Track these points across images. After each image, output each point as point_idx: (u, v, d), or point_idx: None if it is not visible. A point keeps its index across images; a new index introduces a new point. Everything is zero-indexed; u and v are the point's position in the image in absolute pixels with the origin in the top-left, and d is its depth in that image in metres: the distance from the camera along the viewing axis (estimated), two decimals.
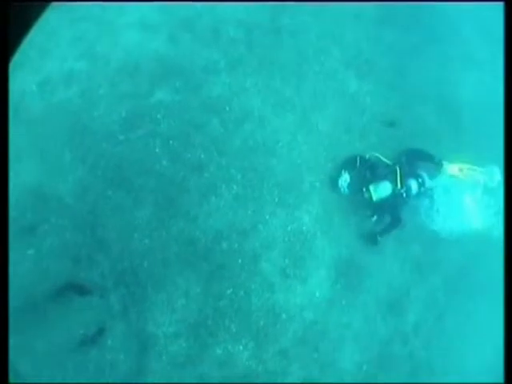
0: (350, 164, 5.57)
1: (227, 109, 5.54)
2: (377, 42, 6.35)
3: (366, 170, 5.48)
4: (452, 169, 5.86)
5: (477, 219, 5.93)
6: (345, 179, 5.47)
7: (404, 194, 5.44)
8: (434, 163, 5.78)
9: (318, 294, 5.39)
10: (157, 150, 5.30)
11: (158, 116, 5.40)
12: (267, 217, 5.38)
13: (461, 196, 5.96)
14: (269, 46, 5.89)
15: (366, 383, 5.46)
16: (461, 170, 5.90)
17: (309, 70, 5.94)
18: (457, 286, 5.88)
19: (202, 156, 5.36)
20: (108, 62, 5.49)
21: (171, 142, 5.35)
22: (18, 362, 4.76)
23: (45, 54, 5.39)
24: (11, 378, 5.05)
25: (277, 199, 5.44)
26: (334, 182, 5.54)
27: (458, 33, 6.73)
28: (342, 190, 5.48)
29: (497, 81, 6.67)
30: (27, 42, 4.37)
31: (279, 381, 5.25)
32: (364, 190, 5.52)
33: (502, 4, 5.21)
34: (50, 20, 5.38)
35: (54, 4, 3.77)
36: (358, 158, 5.56)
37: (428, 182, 5.61)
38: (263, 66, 5.79)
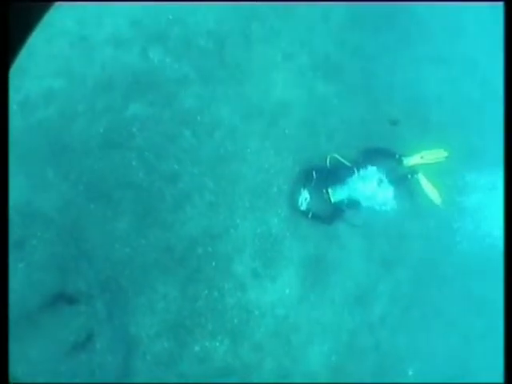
0: (307, 179, 5.62)
1: (198, 119, 5.58)
2: (345, 45, 6.29)
3: (324, 178, 5.57)
4: (414, 159, 5.93)
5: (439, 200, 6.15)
6: (305, 197, 5.56)
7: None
8: (395, 160, 5.87)
9: (288, 291, 5.57)
10: (133, 163, 5.38)
11: (134, 129, 5.46)
12: (238, 221, 5.52)
13: (422, 182, 6.15)
14: (239, 54, 5.87)
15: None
16: (422, 157, 5.98)
17: (277, 76, 5.94)
18: (422, 278, 5.99)
19: (176, 167, 5.45)
20: (84, 78, 5.49)
21: (146, 154, 5.41)
22: (15, 369, 4.84)
23: (23, 73, 5.36)
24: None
25: (247, 204, 5.57)
26: (294, 203, 5.59)
27: (428, 32, 6.65)
28: (302, 208, 5.56)
29: (465, 79, 6.75)
30: None
31: (255, 373, 5.54)
32: (324, 191, 5.78)
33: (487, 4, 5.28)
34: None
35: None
36: (314, 172, 5.61)
37: (386, 180, 5.64)
38: (233, 75, 5.80)
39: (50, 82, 5.49)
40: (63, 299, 5.18)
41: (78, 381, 5.21)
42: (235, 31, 6.07)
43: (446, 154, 5.97)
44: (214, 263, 5.39)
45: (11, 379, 3.71)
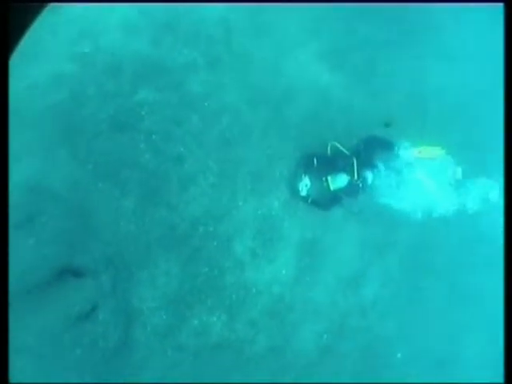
0: (308, 165, 5.75)
1: (206, 105, 5.67)
2: (351, 36, 6.33)
3: (324, 165, 5.67)
4: (412, 153, 5.88)
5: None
6: (305, 184, 5.68)
7: (360, 185, 5.64)
8: (393, 150, 5.85)
9: (284, 272, 5.70)
10: (141, 145, 5.48)
11: (142, 113, 5.55)
12: (240, 203, 5.63)
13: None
14: (247, 42, 5.94)
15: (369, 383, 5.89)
16: (420, 152, 6.26)
17: (284, 64, 6.00)
18: (412, 265, 6.13)
19: (182, 149, 5.54)
20: (94, 64, 5.56)
21: (154, 136, 5.51)
22: (23, 338, 5.08)
23: (33, 59, 5.43)
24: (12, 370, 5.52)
25: (249, 187, 5.68)
26: (294, 188, 5.73)
27: (435, 27, 6.65)
28: (302, 194, 5.67)
29: (469, 76, 6.80)
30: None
31: (248, 348, 5.76)
32: (323, 179, 5.85)
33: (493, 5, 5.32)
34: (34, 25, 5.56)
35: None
36: (315, 159, 5.74)
37: (384, 171, 5.71)
38: (241, 63, 5.88)
39: (61, 67, 5.55)
40: (70, 273, 5.33)
41: (81, 349, 5.46)
42: (243, 19, 6.08)
43: (442, 151, 6.08)
44: (215, 242, 5.52)
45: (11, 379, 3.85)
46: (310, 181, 5.73)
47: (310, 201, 5.71)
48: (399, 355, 6.19)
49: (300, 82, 6.01)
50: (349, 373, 5.94)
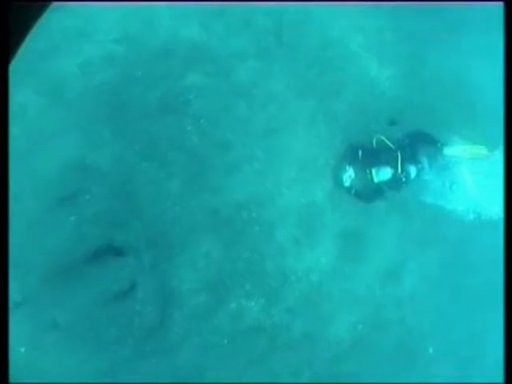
0: (353, 157, 5.68)
1: (253, 92, 5.60)
2: (398, 30, 6.18)
3: (369, 157, 5.62)
4: (456, 150, 5.90)
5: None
6: (349, 175, 5.63)
7: (403, 179, 5.62)
8: (436, 147, 5.85)
9: (324, 261, 5.61)
10: (188, 128, 5.43)
11: (191, 97, 5.47)
12: (284, 191, 5.55)
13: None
14: (295, 33, 5.84)
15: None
16: (465, 150, 5.94)
17: (332, 56, 5.90)
18: (452, 263, 6.01)
19: (229, 135, 5.47)
20: (144, 46, 5.50)
21: (202, 121, 5.45)
22: (57, 314, 5.22)
23: (84, 38, 5.44)
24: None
25: (294, 175, 5.60)
26: (338, 179, 5.68)
27: (474, 23, 6.41)
28: (346, 185, 5.65)
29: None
30: (66, 24, 4.68)
31: (283, 334, 5.83)
32: (368, 171, 5.75)
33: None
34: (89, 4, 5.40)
35: None
36: (361, 151, 5.69)
37: (427, 167, 5.74)
38: (289, 53, 5.77)
39: (111, 48, 5.50)
40: (111, 251, 5.33)
41: (117, 327, 5.58)
42: (292, 12, 5.97)
43: (487, 151, 5.93)
44: (257, 228, 5.44)
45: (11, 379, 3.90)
46: (355, 172, 5.67)
47: (353, 192, 5.70)
48: (431, 350, 6.18)
49: (348, 73, 5.87)
50: (379, 365, 5.96)
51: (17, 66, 5.59)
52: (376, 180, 5.61)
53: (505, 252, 3.61)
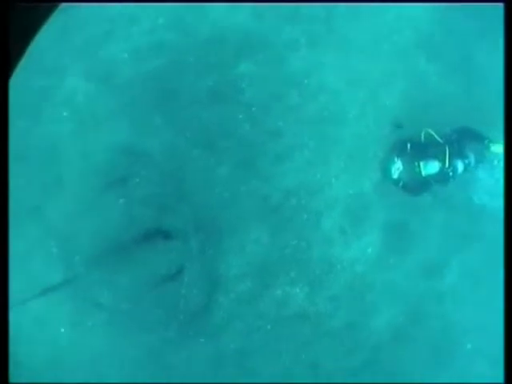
0: (401, 149, 5.64)
1: (305, 82, 5.55)
2: (447, 26, 6.10)
3: (417, 151, 5.56)
4: (501, 148, 5.68)
5: None
6: (397, 167, 5.56)
7: (450, 173, 5.54)
8: (483, 144, 5.75)
9: (369, 251, 5.57)
10: (240, 116, 5.41)
11: (243, 85, 5.44)
12: (333, 180, 5.49)
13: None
14: (347, 25, 5.76)
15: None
16: None
17: (382, 49, 5.84)
18: (494, 258, 5.76)
19: (280, 123, 5.43)
20: (196, 33, 5.46)
21: (254, 109, 5.41)
22: (102, 294, 5.27)
23: (134, 24, 5.44)
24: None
25: (343, 165, 5.54)
26: (386, 171, 5.63)
27: None
28: (394, 177, 5.59)
29: None
30: (116, 11, 4.73)
31: (326, 322, 5.87)
32: (416, 164, 5.95)
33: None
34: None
35: None
36: (409, 144, 5.59)
37: (474, 163, 5.64)
38: (340, 44, 5.70)
39: (161, 35, 5.45)
40: (159, 234, 5.31)
41: (161, 309, 5.68)
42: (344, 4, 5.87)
43: None
44: (305, 216, 5.39)
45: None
46: (402, 165, 5.73)
47: (400, 184, 5.73)
48: (469, 346, 6.16)
49: (397, 67, 5.89)
50: (417, 358, 5.96)
51: (66, 52, 5.77)
52: (424, 173, 5.57)
53: (505, 252, 3.59)
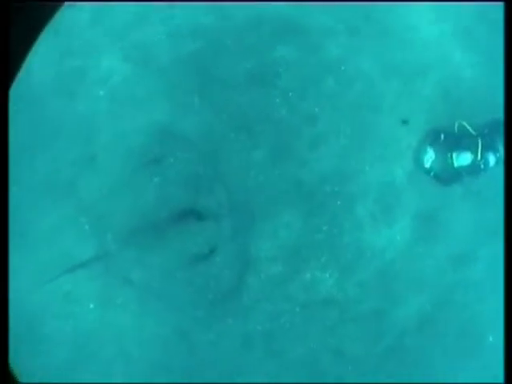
0: (434, 140, 5.69)
1: (342, 68, 5.60)
2: (482, 18, 6.08)
3: (450, 142, 5.61)
4: None
5: None
6: (430, 156, 5.61)
7: (482, 166, 5.60)
8: None
9: (399, 239, 5.62)
10: (277, 101, 5.45)
11: (280, 70, 5.48)
12: (367, 167, 5.55)
13: None
14: (384, 13, 5.80)
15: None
16: None
17: (418, 39, 5.86)
18: None
19: (316, 109, 5.47)
20: (233, 17, 5.51)
21: (290, 93, 5.46)
22: (132, 272, 5.35)
23: (171, 7, 5.51)
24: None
25: (377, 153, 5.59)
26: (419, 160, 5.69)
27: None
28: (426, 166, 5.65)
29: None
30: None
31: (354, 308, 5.96)
32: (448, 155, 5.79)
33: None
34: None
35: None
36: (443, 135, 5.66)
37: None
38: (377, 33, 5.75)
39: (200, 18, 5.48)
40: (193, 215, 5.38)
41: (191, 288, 5.76)
42: None
43: None
44: (338, 202, 5.47)
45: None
46: (435, 155, 5.81)
47: (432, 174, 5.80)
48: (491, 338, 6.22)
49: (432, 57, 5.82)
50: (440, 347, 6.03)
51: (102, 34, 5.82)
52: (456, 164, 5.64)
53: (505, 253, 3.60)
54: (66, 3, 4.33)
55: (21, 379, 4.48)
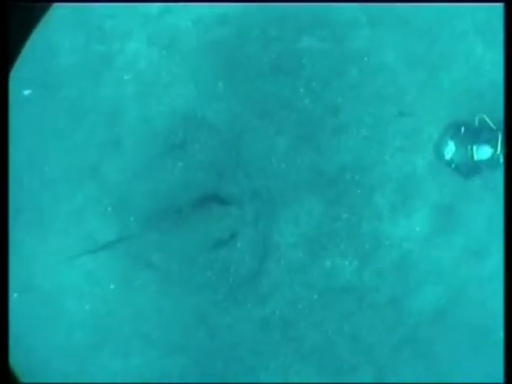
0: (455, 132, 5.77)
1: (365, 60, 5.66)
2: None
3: (471, 135, 5.69)
4: None
5: None
6: (450, 148, 5.69)
7: (501, 160, 5.65)
8: None
9: (417, 229, 5.71)
10: (300, 90, 5.53)
11: (304, 60, 5.57)
12: (387, 158, 5.63)
13: None
14: (408, 6, 5.81)
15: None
16: None
17: (441, 32, 5.92)
18: None
19: (339, 99, 5.56)
20: (258, 7, 5.58)
21: (314, 83, 5.53)
22: (153, 255, 5.46)
23: None
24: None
25: (398, 144, 5.67)
26: (439, 152, 5.75)
27: None
28: (447, 158, 5.72)
29: None
30: None
31: (371, 296, 6.07)
32: (468, 148, 6.07)
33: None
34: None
35: None
36: (463, 128, 5.74)
37: None
38: (401, 25, 5.79)
39: (225, 8, 5.58)
40: (215, 200, 5.48)
41: (212, 272, 5.88)
42: None
43: None
44: (358, 191, 5.56)
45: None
46: (456, 147, 5.91)
47: (453, 166, 5.89)
48: (501, 334, 6.29)
49: (455, 51, 5.98)
50: (453, 340, 6.12)
51: (128, 19, 5.92)
52: (476, 157, 5.76)
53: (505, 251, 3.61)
54: (55, 4, 4.42)
55: (22, 379, 4.73)
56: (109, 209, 5.57)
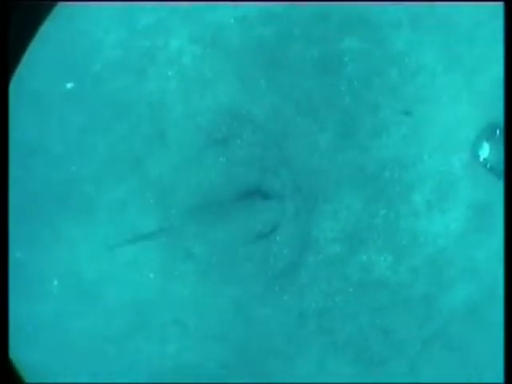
0: (491, 134, 5.89)
1: (405, 61, 5.84)
2: None
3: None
4: None
5: None
6: (485, 150, 5.83)
7: None
8: None
9: (452, 227, 5.90)
10: (342, 88, 5.72)
11: (345, 59, 5.74)
12: (425, 157, 5.81)
13: None
14: (448, 7, 5.86)
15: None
16: None
17: (481, 34, 5.95)
18: None
19: (380, 99, 5.76)
20: (302, 7, 5.57)
21: (355, 82, 5.73)
22: (194, 246, 5.47)
23: None
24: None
25: (436, 144, 5.85)
26: (475, 153, 5.85)
27: None
28: (481, 159, 6.08)
29: None
30: None
31: (404, 291, 6.20)
32: (504, 150, 6.16)
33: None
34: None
35: None
36: (498, 130, 6.18)
37: None
38: (440, 27, 5.93)
39: (268, 6, 6.13)
40: (257, 194, 5.63)
41: (251, 263, 6.01)
42: None
43: None
44: (397, 188, 5.83)
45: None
46: (490, 149, 6.09)
47: (488, 167, 6.06)
48: None
49: (493, 53, 6.22)
50: (483, 338, 6.25)
51: (170, 15, 6.09)
52: None
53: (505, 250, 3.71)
54: (60, 4, 4.58)
55: (26, 379, 4.84)
56: (151, 201, 5.75)
